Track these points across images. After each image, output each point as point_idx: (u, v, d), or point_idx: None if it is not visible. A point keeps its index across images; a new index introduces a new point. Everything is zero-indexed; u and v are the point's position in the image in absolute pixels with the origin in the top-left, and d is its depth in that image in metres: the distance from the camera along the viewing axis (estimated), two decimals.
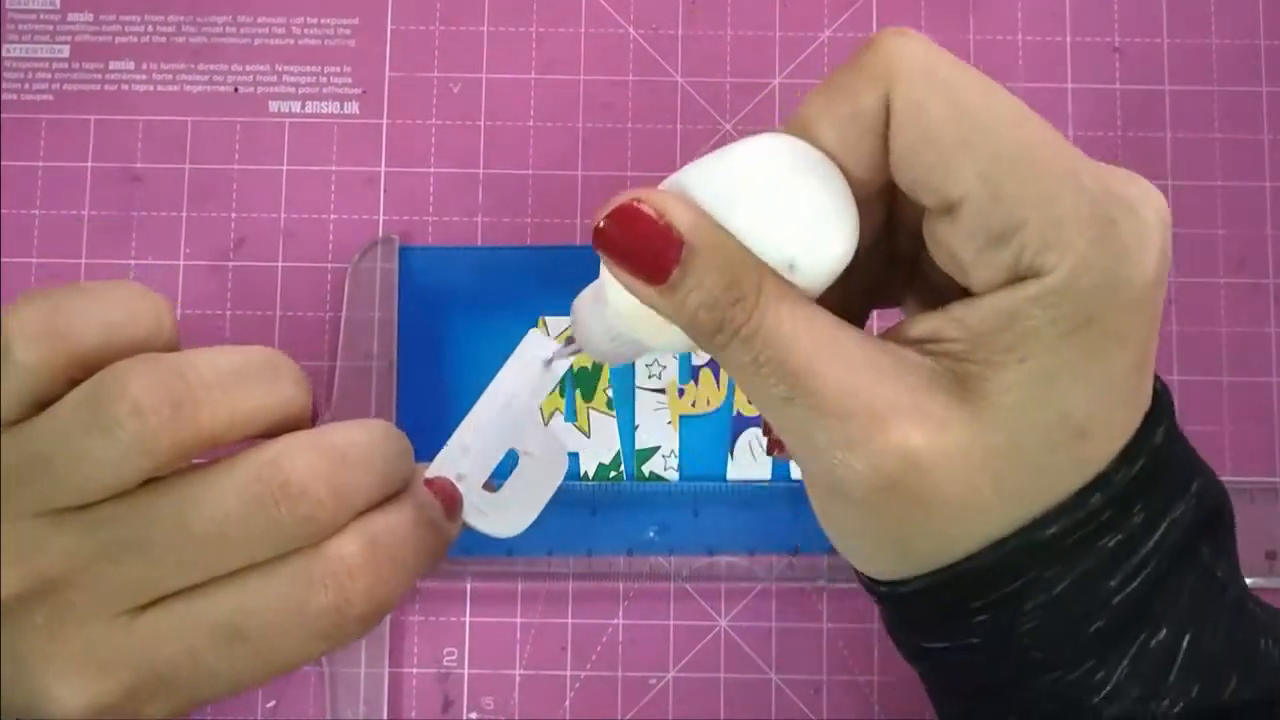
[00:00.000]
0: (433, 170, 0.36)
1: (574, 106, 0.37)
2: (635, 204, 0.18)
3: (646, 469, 0.35)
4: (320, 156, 0.36)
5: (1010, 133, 0.19)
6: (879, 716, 0.34)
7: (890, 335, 0.20)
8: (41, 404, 0.20)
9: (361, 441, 0.21)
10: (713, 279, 0.18)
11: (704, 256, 0.18)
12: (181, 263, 0.36)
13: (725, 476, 0.34)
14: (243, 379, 0.20)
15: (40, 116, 0.37)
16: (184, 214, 0.36)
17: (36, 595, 0.20)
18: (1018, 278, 0.18)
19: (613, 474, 0.35)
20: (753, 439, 0.35)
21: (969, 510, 0.19)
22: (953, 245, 0.19)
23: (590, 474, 0.35)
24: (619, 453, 0.35)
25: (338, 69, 0.37)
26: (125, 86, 0.37)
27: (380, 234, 0.36)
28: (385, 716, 0.34)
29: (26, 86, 0.37)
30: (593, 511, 0.34)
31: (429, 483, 0.22)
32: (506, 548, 0.34)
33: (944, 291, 0.20)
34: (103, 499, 0.20)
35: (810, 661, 0.34)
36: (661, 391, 0.35)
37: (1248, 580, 0.34)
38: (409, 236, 0.36)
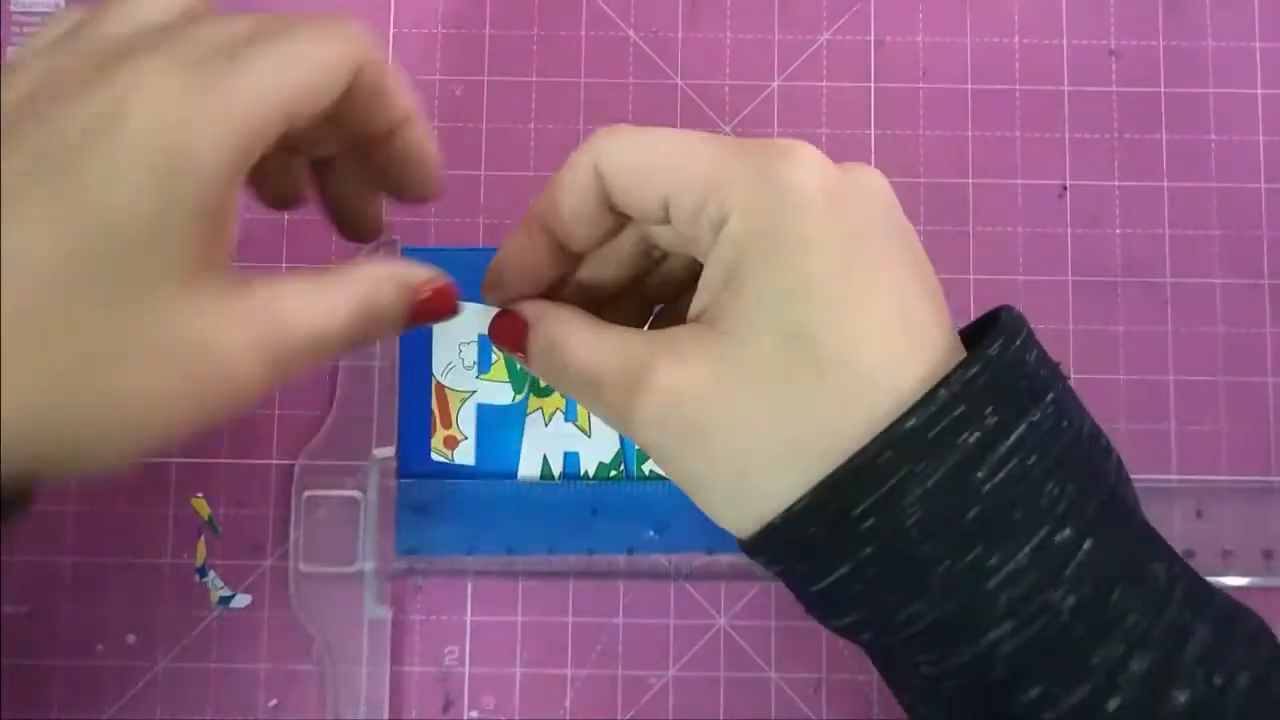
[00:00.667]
0: None
1: (574, 109, 0.37)
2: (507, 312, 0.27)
3: (647, 468, 0.35)
4: None
5: (670, 148, 0.24)
6: (878, 715, 0.34)
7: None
8: None
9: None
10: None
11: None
12: None
13: None
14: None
15: None
16: None
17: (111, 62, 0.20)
18: (715, 240, 0.23)
19: (613, 473, 0.35)
20: None
21: (750, 423, 0.22)
22: (677, 238, 0.24)
23: (591, 473, 0.35)
24: (619, 452, 0.35)
25: None
26: None
27: (382, 235, 0.36)
28: (386, 716, 0.34)
29: None
30: (593, 511, 0.34)
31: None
32: (507, 547, 0.34)
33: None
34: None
35: (810, 660, 0.35)
36: None
37: (1247, 579, 0.34)
38: (411, 238, 0.36)
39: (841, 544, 0.22)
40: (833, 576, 0.22)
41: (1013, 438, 0.21)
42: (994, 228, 0.36)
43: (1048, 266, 0.36)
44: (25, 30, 0.37)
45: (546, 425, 0.35)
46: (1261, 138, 0.37)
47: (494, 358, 0.35)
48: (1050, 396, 0.22)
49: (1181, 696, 0.21)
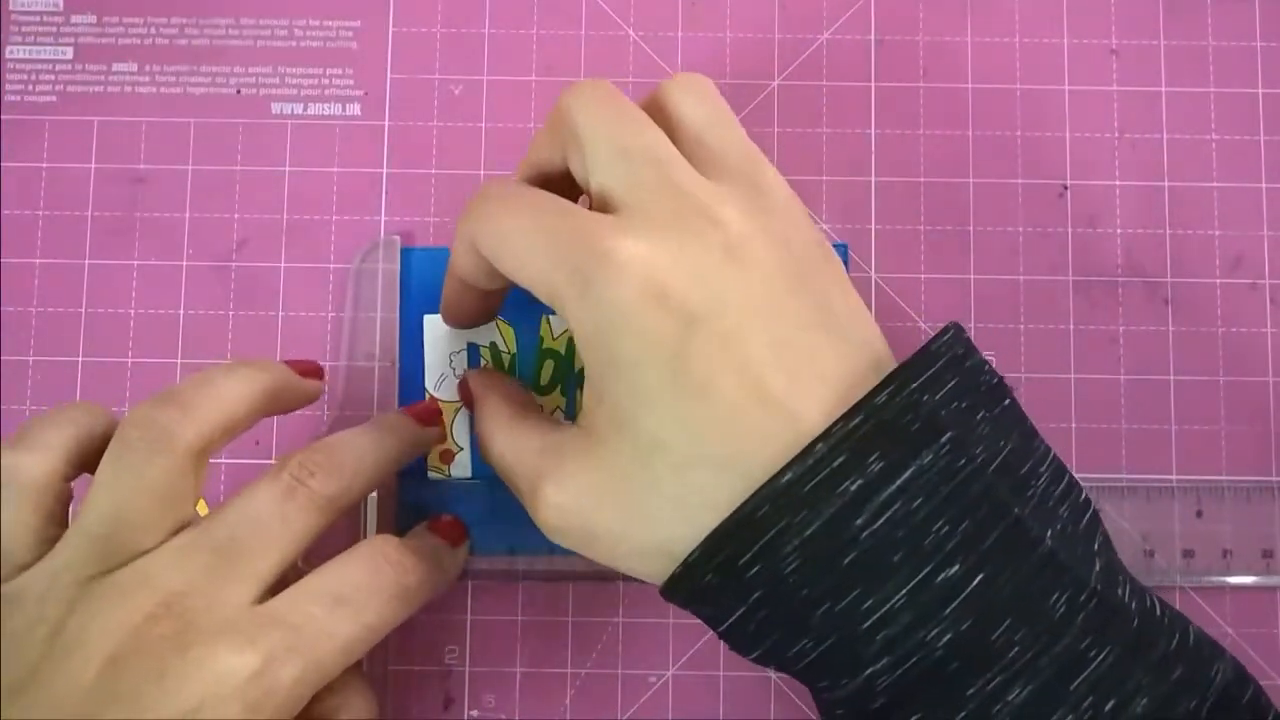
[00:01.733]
0: (434, 171, 0.37)
1: None
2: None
3: None
4: (322, 158, 0.37)
5: (515, 244, 0.26)
6: None
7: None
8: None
9: (349, 437, 0.29)
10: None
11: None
12: (184, 263, 0.36)
13: None
14: (208, 377, 0.27)
15: (43, 118, 0.37)
16: (186, 215, 0.37)
17: (159, 615, 0.23)
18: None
19: None
20: None
21: (629, 523, 0.24)
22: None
23: None
24: None
25: (340, 71, 0.37)
26: (128, 88, 0.37)
27: (382, 235, 0.36)
28: (387, 715, 0.34)
29: (30, 88, 0.37)
30: None
31: (433, 526, 0.32)
32: (508, 546, 0.34)
33: None
34: (176, 527, 0.25)
35: None
36: None
37: (1246, 579, 0.34)
38: (411, 237, 0.36)
39: (733, 590, 0.23)
40: (731, 618, 0.24)
41: (897, 483, 0.22)
42: (994, 228, 0.36)
43: (1048, 266, 0.36)
44: (25, 30, 0.37)
45: None
46: (1262, 137, 0.37)
47: (483, 362, 0.35)
48: (947, 436, 0.22)
49: None
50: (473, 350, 0.35)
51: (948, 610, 0.22)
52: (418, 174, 0.37)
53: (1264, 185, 0.37)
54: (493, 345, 0.35)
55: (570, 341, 0.35)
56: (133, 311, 0.36)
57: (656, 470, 0.23)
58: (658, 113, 0.27)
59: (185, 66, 0.37)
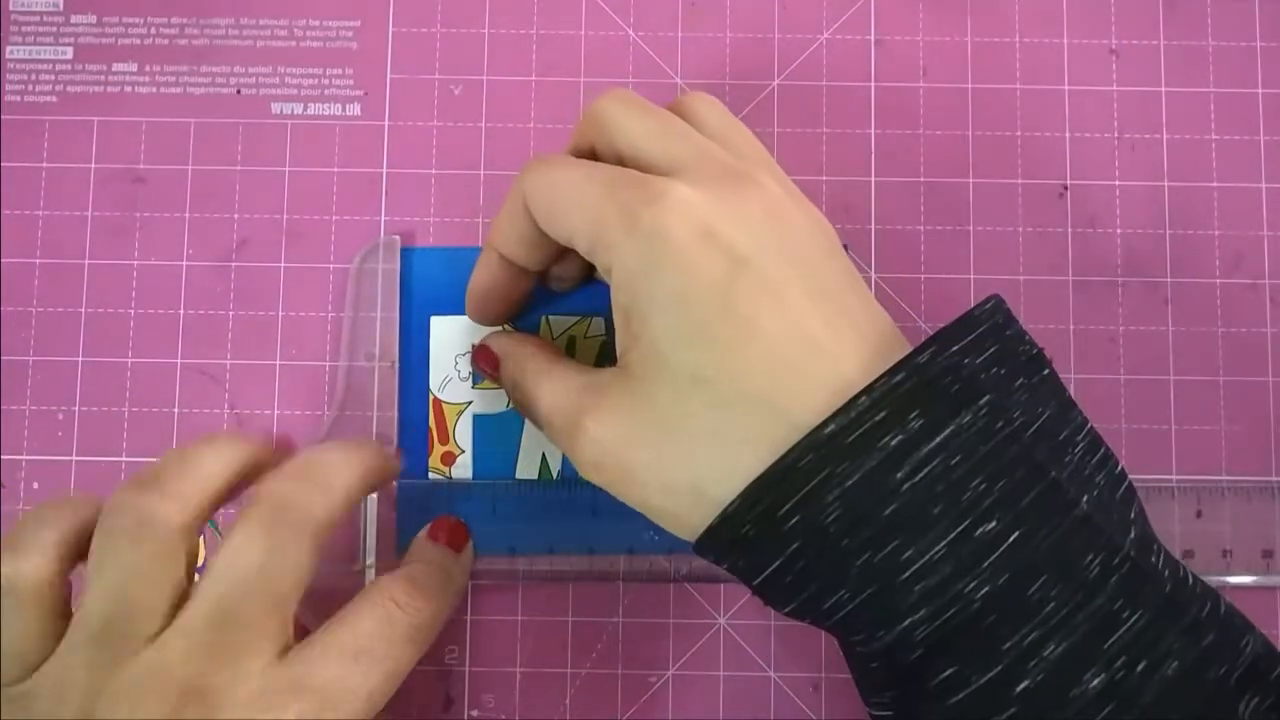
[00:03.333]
0: (434, 171, 0.37)
1: (574, 108, 0.37)
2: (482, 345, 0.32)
3: None
4: (322, 158, 0.37)
5: (564, 191, 0.26)
6: None
7: None
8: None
9: (319, 454, 0.28)
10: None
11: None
12: (184, 263, 0.36)
13: None
14: (184, 454, 0.27)
15: (43, 118, 0.37)
16: (186, 215, 0.37)
17: (186, 703, 0.24)
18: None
19: None
20: None
21: (669, 460, 0.24)
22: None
23: None
24: None
25: (340, 71, 0.37)
26: (128, 88, 0.37)
27: (382, 235, 0.36)
28: (386, 715, 0.34)
29: (30, 88, 0.37)
30: (593, 511, 0.34)
31: (434, 533, 0.32)
32: (509, 546, 0.34)
33: None
34: (176, 602, 0.25)
35: (809, 659, 0.35)
36: None
37: (1246, 579, 0.34)
38: (411, 237, 0.36)
39: (771, 541, 0.23)
40: (768, 570, 0.24)
41: (937, 439, 0.22)
42: (994, 228, 0.36)
43: (1048, 266, 0.36)
44: (25, 30, 0.37)
45: None
46: (1262, 137, 0.37)
47: None
48: (986, 399, 0.23)
49: (1095, 681, 0.22)
50: None
51: (985, 564, 0.22)
52: (418, 174, 0.37)
53: (1264, 185, 0.37)
54: None
55: (570, 341, 0.35)
56: (133, 311, 0.36)
57: (695, 406, 0.24)
58: (679, 115, 0.29)
59: (185, 66, 0.37)
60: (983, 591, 0.22)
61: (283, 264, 0.36)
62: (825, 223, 0.27)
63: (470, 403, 0.35)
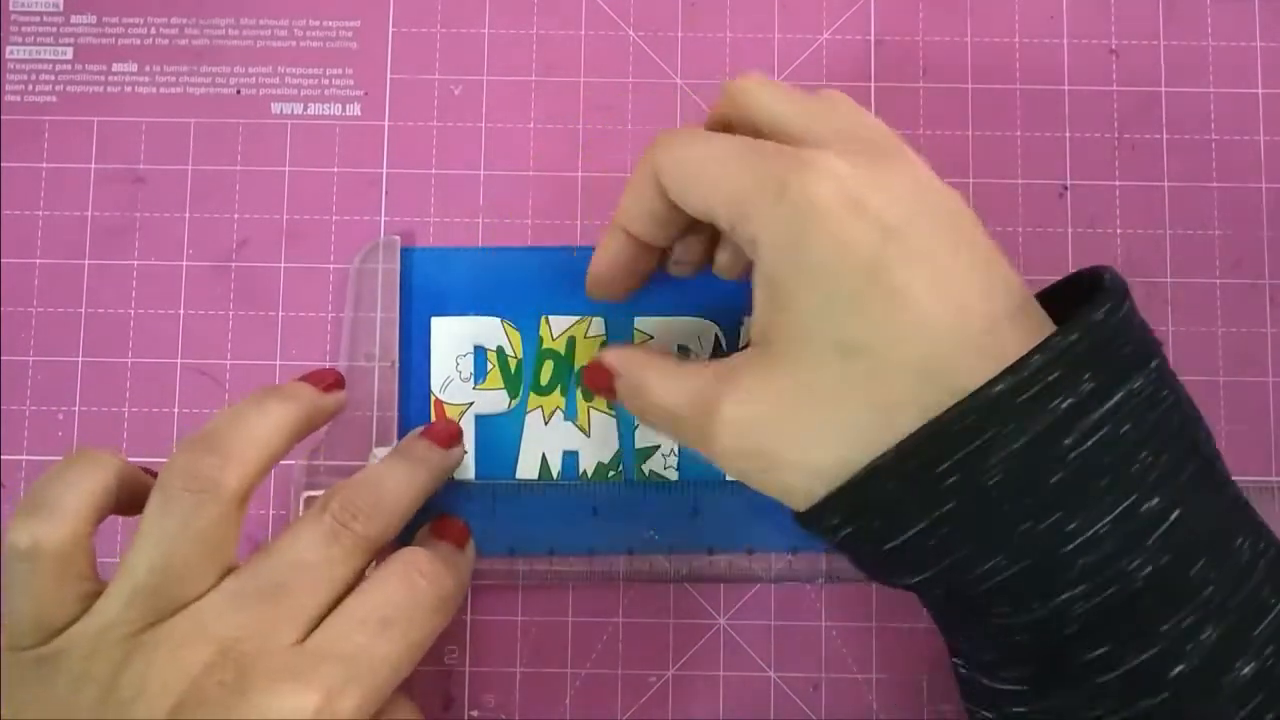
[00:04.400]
0: (434, 171, 0.37)
1: (574, 108, 0.37)
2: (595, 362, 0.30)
3: (646, 468, 0.35)
4: (322, 158, 0.37)
5: (703, 164, 0.25)
6: (877, 715, 0.34)
7: None
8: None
9: (386, 473, 0.29)
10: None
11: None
12: (184, 264, 0.36)
13: (725, 476, 0.35)
14: (241, 416, 0.27)
15: (43, 118, 0.37)
16: (186, 215, 0.37)
17: (217, 664, 0.24)
18: (753, 260, 0.25)
19: (611, 474, 0.35)
20: None
21: (818, 438, 0.23)
22: (730, 242, 0.28)
23: (589, 473, 0.35)
24: (618, 452, 0.35)
25: (339, 71, 0.37)
26: (128, 88, 0.37)
27: (382, 235, 0.36)
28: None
29: (29, 88, 0.37)
30: (593, 511, 0.34)
31: (436, 530, 0.31)
32: (508, 547, 0.34)
33: None
34: (223, 572, 0.25)
35: (809, 659, 0.35)
36: None
37: None
38: (410, 237, 0.36)
39: (921, 499, 0.22)
40: (910, 532, 0.23)
41: (1108, 405, 0.21)
42: (994, 228, 0.36)
43: (1048, 266, 0.36)
44: (25, 30, 0.37)
45: (546, 424, 0.35)
46: (1262, 137, 0.37)
47: (489, 366, 0.35)
48: (1154, 363, 0.22)
49: (1246, 668, 0.21)
50: (479, 353, 0.35)
51: (1149, 542, 0.21)
52: (418, 174, 0.37)
53: (1264, 185, 0.37)
54: (500, 349, 0.35)
55: (570, 341, 0.35)
56: (133, 311, 0.36)
57: (851, 376, 0.23)
58: None
59: (185, 66, 0.37)
60: (1145, 571, 0.21)
61: (283, 264, 0.36)
62: (965, 202, 0.26)
63: (471, 403, 0.35)
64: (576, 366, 0.35)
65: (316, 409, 0.29)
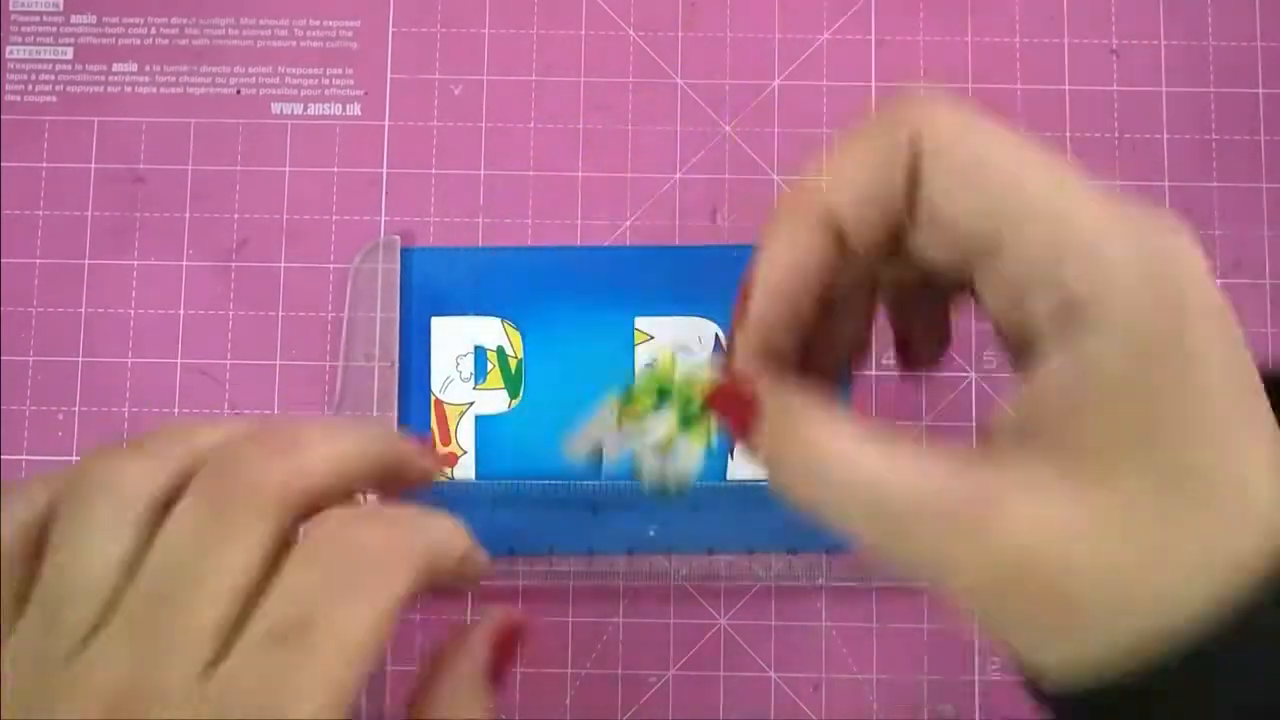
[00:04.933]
0: (434, 171, 0.37)
1: (574, 108, 0.37)
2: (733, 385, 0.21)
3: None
4: (322, 158, 0.37)
5: (1025, 170, 0.18)
6: (877, 715, 0.34)
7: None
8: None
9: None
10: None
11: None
12: (184, 263, 0.36)
13: (725, 476, 0.35)
14: (307, 423, 0.21)
15: (43, 118, 0.37)
16: (187, 215, 0.37)
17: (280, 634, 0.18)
18: (1073, 322, 0.18)
19: (672, 489, 0.30)
20: None
21: (1122, 580, 0.17)
22: (1002, 297, 0.18)
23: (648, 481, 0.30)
24: (688, 475, 0.33)
25: (340, 71, 0.37)
26: (128, 88, 0.37)
27: (382, 235, 0.36)
28: (387, 716, 0.34)
29: (30, 88, 0.37)
30: (593, 511, 0.34)
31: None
32: (509, 547, 0.34)
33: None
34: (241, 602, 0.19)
35: (809, 659, 0.35)
36: None
37: None
38: (411, 237, 0.36)
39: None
40: None
41: None
42: None
43: None
44: (25, 30, 0.37)
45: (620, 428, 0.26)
46: (1263, 137, 0.37)
47: (489, 366, 0.35)
48: None
49: None
50: (479, 353, 0.35)
51: None
52: (418, 174, 0.37)
53: (1264, 185, 0.37)
54: (500, 349, 0.35)
55: (688, 387, 0.24)
56: (133, 311, 0.36)
57: (1182, 508, 0.17)
58: None
59: (185, 66, 0.37)
60: None
61: (283, 264, 0.36)
62: None
63: (472, 403, 0.35)
64: (693, 408, 0.24)
65: (402, 453, 0.23)
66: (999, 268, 0.18)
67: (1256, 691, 0.16)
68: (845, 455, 0.18)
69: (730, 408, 0.21)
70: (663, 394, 0.23)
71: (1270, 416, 0.18)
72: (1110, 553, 0.17)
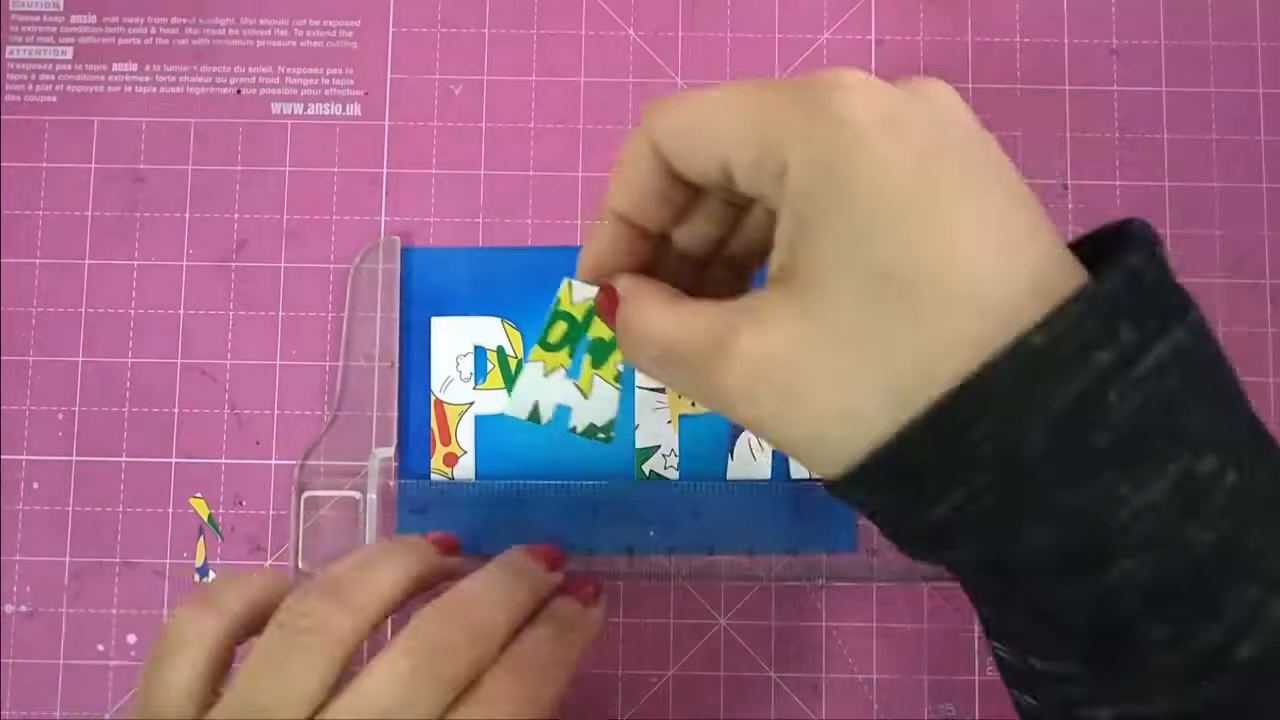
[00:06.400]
0: (434, 171, 0.37)
1: (574, 108, 0.37)
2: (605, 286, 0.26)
3: (646, 468, 0.35)
4: (322, 158, 0.37)
5: (717, 107, 0.23)
6: (877, 715, 0.34)
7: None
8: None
9: (479, 591, 0.27)
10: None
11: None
12: (184, 264, 0.36)
13: (725, 476, 0.35)
14: (368, 567, 0.27)
15: (43, 118, 0.37)
16: (187, 215, 0.37)
17: None
18: (780, 184, 0.22)
19: (600, 435, 0.34)
20: (752, 438, 0.35)
21: (845, 377, 0.21)
22: (748, 192, 0.23)
23: (579, 429, 0.34)
24: (613, 420, 0.34)
25: (340, 71, 0.37)
26: (128, 88, 0.37)
27: (382, 235, 0.36)
28: None
29: (30, 88, 0.37)
30: (594, 511, 0.34)
31: (566, 584, 0.30)
32: (508, 547, 0.34)
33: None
34: (314, 709, 0.25)
35: (809, 660, 0.35)
36: (661, 391, 0.35)
37: None
38: (410, 237, 0.36)
39: (955, 469, 0.20)
40: (944, 504, 0.21)
41: (1152, 357, 0.20)
42: None
43: None
44: (25, 30, 0.37)
45: (545, 376, 0.34)
46: (1263, 137, 0.37)
47: (489, 366, 0.35)
48: (1194, 314, 0.21)
49: None
50: (479, 353, 0.35)
51: (1208, 508, 0.19)
52: (418, 174, 0.37)
53: (1264, 185, 0.37)
54: (500, 349, 0.35)
55: (589, 311, 0.33)
56: (133, 311, 0.36)
57: (890, 311, 0.20)
58: None
59: (185, 66, 0.37)
60: (1207, 537, 0.19)
61: (283, 264, 0.36)
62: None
63: (472, 403, 0.35)
64: (589, 335, 0.34)
65: (435, 569, 0.29)
66: (741, 184, 0.23)
67: (1009, 437, 0.20)
68: (646, 316, 0.24)
69: (603, 305, 0.26)
70: (570, 325, 0.28)
71: (1013, 191, 0.21)
72: (831, 356, 0.21)
